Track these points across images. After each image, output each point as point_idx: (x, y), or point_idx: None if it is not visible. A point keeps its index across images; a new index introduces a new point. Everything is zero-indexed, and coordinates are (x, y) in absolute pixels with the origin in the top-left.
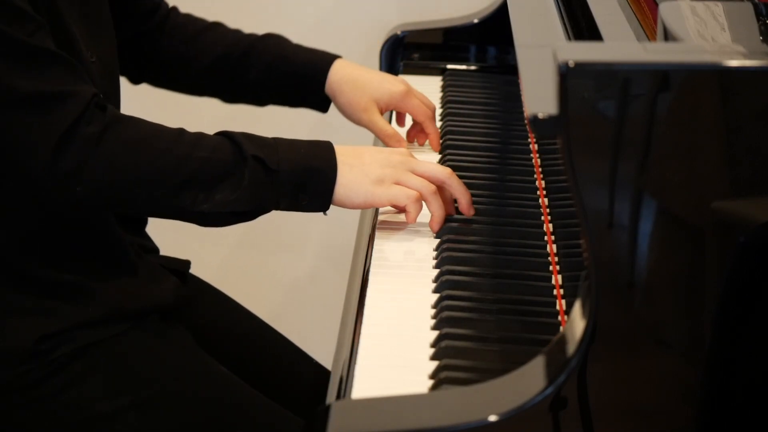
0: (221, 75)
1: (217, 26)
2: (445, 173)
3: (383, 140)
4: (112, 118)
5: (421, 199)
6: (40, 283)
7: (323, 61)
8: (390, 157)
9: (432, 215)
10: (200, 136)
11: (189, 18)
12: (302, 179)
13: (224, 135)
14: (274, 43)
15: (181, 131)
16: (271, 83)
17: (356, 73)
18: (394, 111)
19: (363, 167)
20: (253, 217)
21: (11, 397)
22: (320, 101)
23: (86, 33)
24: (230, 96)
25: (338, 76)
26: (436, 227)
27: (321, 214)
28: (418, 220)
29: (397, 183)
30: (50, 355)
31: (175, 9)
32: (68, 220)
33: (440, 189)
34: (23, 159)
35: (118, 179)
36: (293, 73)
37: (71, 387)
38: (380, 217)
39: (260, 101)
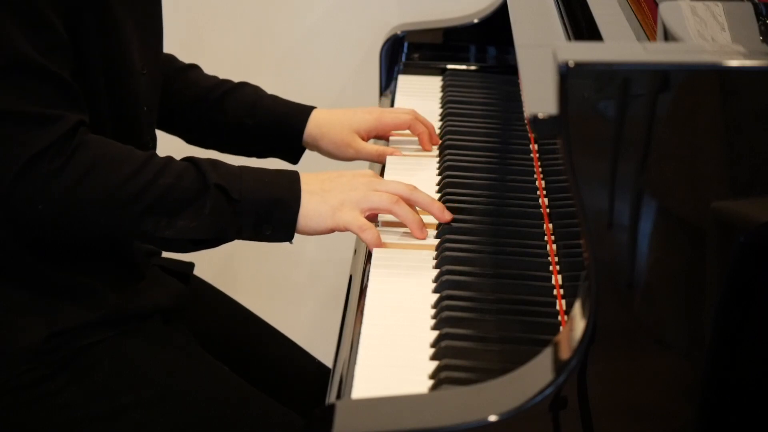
0: (194, 116)
1: (195, 68)
2: (406, 189)
3: (376, 160)
4: (81, 141)
5: (373, 230)
6: (49, 283)
7: (303, 109)
8: (352, 181)
9: (407, 224)
10: (167, 162)
11: (168, 57)
12: (265, 209)
13: (191, 161)
14: (251, 90)
15: (150, 156)
16: (248, 129)
17: (331, 114)
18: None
19: (324, 194)
20: (214, 245)
21: (14, 395)
22: (294, 150)
23: (140, 44)
24: (197, 137)
25: (317, 121)
26: (418, 234)
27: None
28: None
29: (359, 205)
30: (54, 354)
31: None
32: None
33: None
34: None
35: (80, 204)
36: (272, 119)
37: (73, 385)
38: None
39: (225, 147)
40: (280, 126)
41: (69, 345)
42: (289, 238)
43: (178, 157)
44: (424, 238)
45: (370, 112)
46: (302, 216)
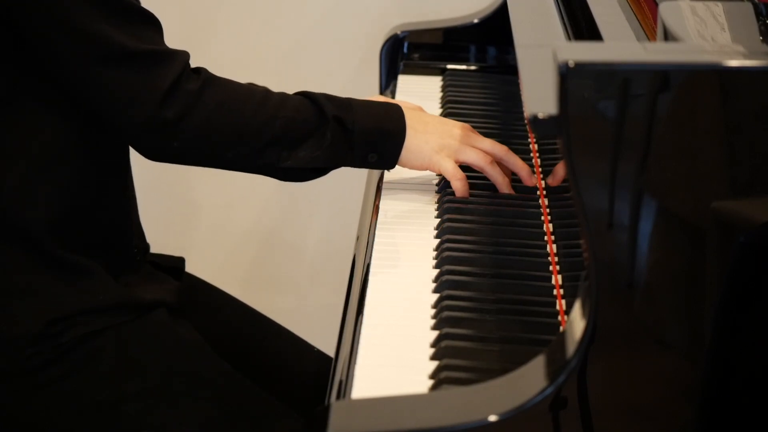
0: None
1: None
2: (502, 150)
3: None
4: (207, 78)
5: (465, 180)
6: (56, 266)
7: None
8: (452, 130)
9: (496, 184)
10: (284, 97)
11: None
12: (374, 139)
13: (305, 96)
14: None
15: (267, 92)
16: None
17: None
18: None
19: (427, 135)
20: (327, 172)
21: (17, 381)
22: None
23: None
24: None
25: None
26: (506, 190)
27: (321, 213)
28: (416, 225)
29: (455, 155)
30: (58, 340)
31: None
32: (95, 209)
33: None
34: (126, 112)
35: (211, 135)
36: None
37: (76, 373)
38: (380, 217)
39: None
40: None
41: (71, 332)
42: (390, 166)
43: None
44: (509, 192)
45: None
46: (406, 149)
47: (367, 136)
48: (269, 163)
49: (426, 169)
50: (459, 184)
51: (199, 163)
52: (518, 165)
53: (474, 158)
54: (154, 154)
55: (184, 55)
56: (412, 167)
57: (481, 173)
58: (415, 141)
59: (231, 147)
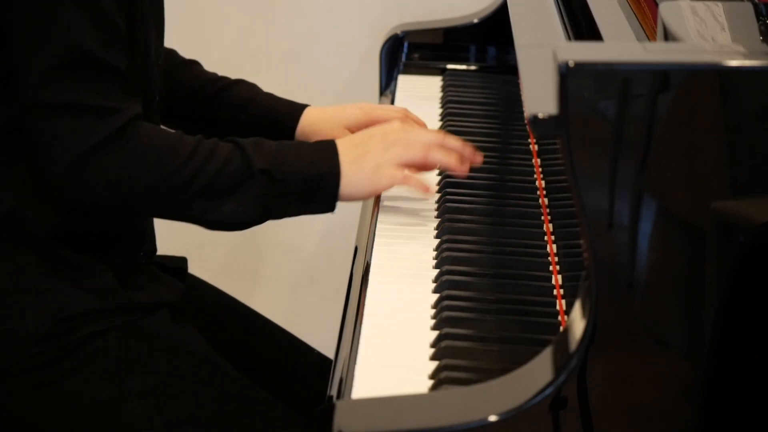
0: (190, 111)
1: (195, 64)
2: (437, 138)
3: None
4: (133, 134)
5: (414, 179)
6: (63, 266)
7: (295, 107)
8: (384, 141)
9: (446, 166)
10: (213, 149)
11: (169, 52)
12: (307, 187)
13: (236, 144)
14: (247, 87)
15: (198, 142)
16: (241, 124)
17: (322, 112)
18: None
19: (360, 161)
20: (260, 222)
21: (18, 380)
22: None
23: (156, 36)
24: (194, 131)
25: (308, 119)
26: (460, 168)
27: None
28: (415, 225)
29: (398, 161)
30: (61, 340)
31: None
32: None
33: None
34: (45, 160)
35: (128, 192)
36: (265, 116)
37: (78, 372)
38: (380, 217)
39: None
40: (273, 123)
41: (75, 331)
42: (331, 209)
43: None
44: (466, 170)
45: (360, 108)
46: (344, 185)
47: (298, 185)
48: (193, 215)
49: (374, 195)
50: (413, 183)
51: (120, 213)
52: (458, 147)
53: (413, 156)
54: (71, 202)
55: (127, 113)
56: (357, 199)
57: (478, 174)
58: (350, 174)
59: (150, 202)
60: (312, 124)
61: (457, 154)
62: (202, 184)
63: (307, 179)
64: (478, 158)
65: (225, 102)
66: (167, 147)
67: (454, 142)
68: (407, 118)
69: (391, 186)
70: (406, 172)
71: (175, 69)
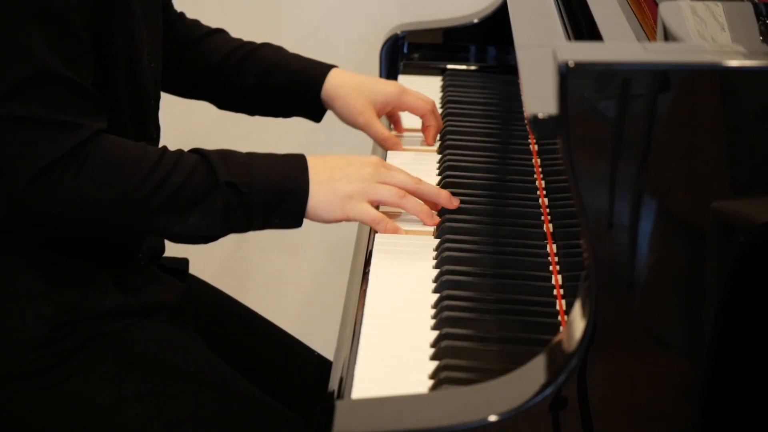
0: (219, 79)
1: (219, 32)
2: (412, 182)
3: (380, 143)
4: (93, 147)
5: (386, 221)
6: (59, 271)
7: (321, 68)
8: (360, 171)
9: (416, 215)
10: (178, 158)
11: (194, 23)
12: (274, 201)
13: (201, 155)
14: (272, 50)
15: (162, 154)
16: (269, 88)
17: (352, 78)
18: (392, 117)
19: (332, 184)
20: (224, 235)
21: (18, 384)
22: (315, 108)
23: (149, 38)
24: (224, 101)
25: (335, 81)
26: (429, 222)
27: None
28: (415, 226)
29: (367, 196)
30: (61, 344)
31: (182, 14)
32: None
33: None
34: (6, 175)
35: (93, 206)
36: (291, 78)
37: (77, 376)
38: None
39: (252, 108)
40: (299, 84)
41: (74, 336)
42: (297, 225)
43: (181, 146)
44: (436, 224)
45: (392, 85)
46: (311, 206)
47: (264, 198)
48: (159, 229)
49: (341, 221)
50: (381, 227)
51: (85, 228)
52: (433, 193)
53: (387, 196)
54: (32, 219)
55: (84, 129)
56: (324, 221)
57: (478, 174)
58: (320, 196)
59: (113, 215)
60: (338, 87)
61: (429, 204)
62: (165, 196)
63: (274, 193)
64: (455, 203)
65: (251, 67)
66: (129, 160)
67: (429, 189)
68: (432, 113)
69: (359, 220)
70: (380, 214)
71: (201, 39)
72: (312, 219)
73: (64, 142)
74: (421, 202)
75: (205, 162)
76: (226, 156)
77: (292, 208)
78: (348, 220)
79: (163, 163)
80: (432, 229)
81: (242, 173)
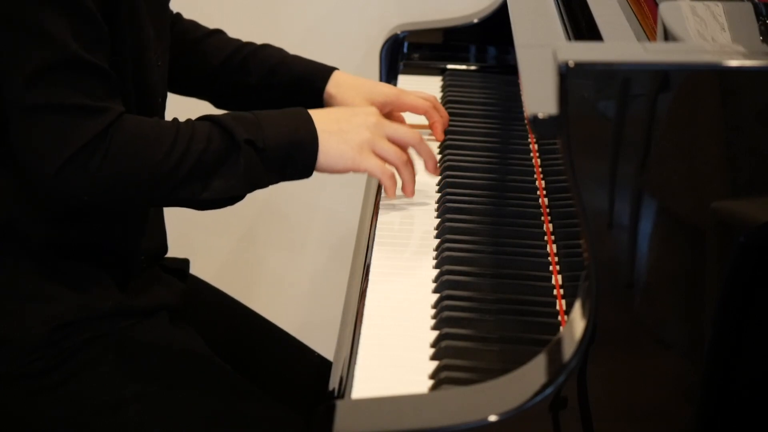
0: (221, 79)
1: (219, 33)
2: (416, 137)
3: None
4: (116, 129)
5: (394, 178)
6: (60, 272)
7: (323, 69)
8: (366, 120)
9: (404, 183)
10: (193, 129)
11: (192, 24)
12: (287, 153)
13: (211, 121)
14: (275, 51)
15: (176, 128)
16: (270, 88)
17: (352, 80)
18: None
19: (342, 134)
20: (248, 192)
21: (19, 384)
22: (317, 108)
23: (156, 36)
24: (223, 100)
25: (336, 82)
26: (410, 194)
27: (321, 213)
28: (416, 225)
29: (374, 148)
30: (62, 344)
31: (179, 15)
32: (95, 221)
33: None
34: (32, 162)
35: (121, 186)
36: (293, 79)
37: (77, 376)
38: (380, 217)
39: (252, 108)
40: (302, 85)
41: (74, 337)
42: (307, 175)
43: None
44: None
45: (390, 88)
46: (322, 154)
47: (279, 152)
48: (186, 198)
49: (349, 171)
50: (388, 182)
51: (114, 207)
52: (428, 154)
53: (392, 156)
54: (62, 203)
55: (109, 113)
56: (334, 171)
57: (478, 174)
58: (331, 144)
59: (142, 192)
60: (338, 86)
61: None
62: (190, 165)
63: (287, 146)
64: (437, 172)
65: (255, 67)
66: (150, 137)
67: (428, 151)
68: (434, 108)
69: (368, 172)
70: (388, 167)
71: (201, 40)
72: (322, 169)
73: (91, 127)
74: (413, 174)
75: (219, 125)
76: (236, 117)
77: (304, 158)
78: (357, 170)
79: (181, 134)
80: (431, 230)
81: (255, 130)
